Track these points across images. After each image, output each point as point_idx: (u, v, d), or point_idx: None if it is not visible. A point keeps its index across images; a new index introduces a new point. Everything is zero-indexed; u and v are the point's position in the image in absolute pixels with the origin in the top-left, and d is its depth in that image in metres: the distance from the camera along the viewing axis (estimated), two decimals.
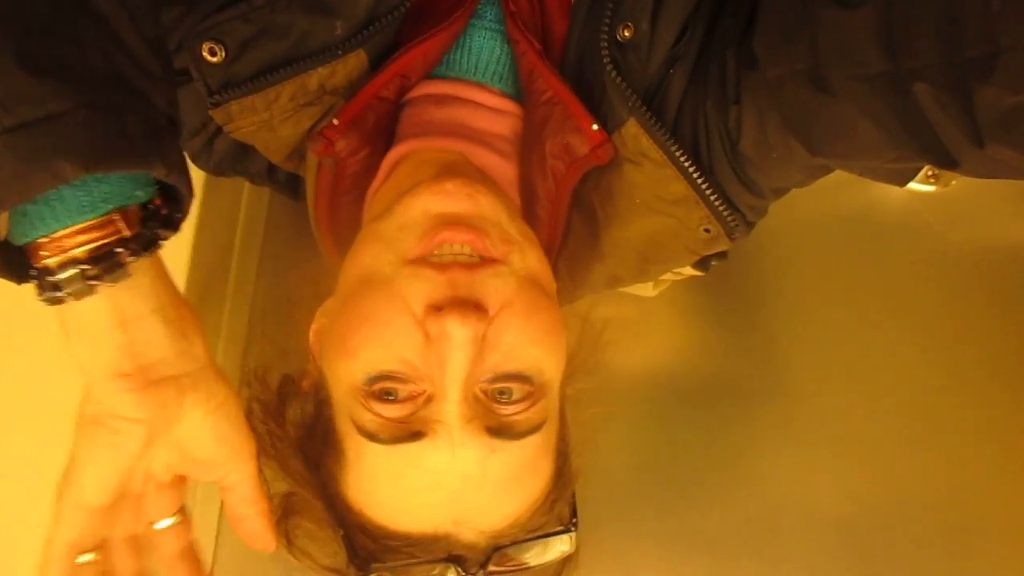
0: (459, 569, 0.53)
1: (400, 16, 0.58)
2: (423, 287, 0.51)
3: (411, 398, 0.51)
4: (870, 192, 1.03)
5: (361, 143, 0.61)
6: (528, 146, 0.64)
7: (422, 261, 0.52)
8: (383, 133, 0.64)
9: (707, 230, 0.62)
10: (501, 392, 0.52)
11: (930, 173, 1.02)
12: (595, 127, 0.59)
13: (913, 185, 1.03)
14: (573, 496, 0.59)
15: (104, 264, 0.42)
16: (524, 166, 0.64)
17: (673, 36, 0.57)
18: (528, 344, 0.52)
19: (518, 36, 0.61)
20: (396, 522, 0.53)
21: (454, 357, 0.49)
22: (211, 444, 0.51)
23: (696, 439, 0.92)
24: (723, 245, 0.63)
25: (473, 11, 0.63)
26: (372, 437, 0.51)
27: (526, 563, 0.56)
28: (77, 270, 0.41)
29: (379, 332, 0.51)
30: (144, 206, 0.44)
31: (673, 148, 0.58)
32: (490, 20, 0.64)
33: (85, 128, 0.39)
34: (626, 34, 0.57)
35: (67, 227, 0.41)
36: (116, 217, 0.42)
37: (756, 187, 0.60)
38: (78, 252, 0.41)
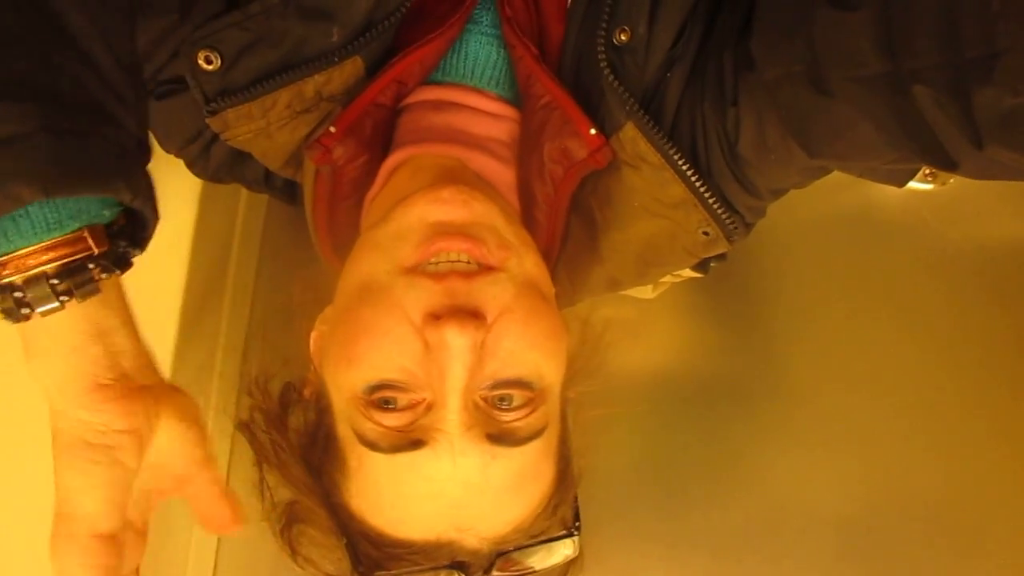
0: (462, 575, 0.53)
1: (396, 22, 0.58)
2: (421, 296, 0.51)
3: (411, 407, 0.51)
4: (869, 191, 1.03)
5: (358, 150, 0.61)
6: (526, 151, 0.64)
7: (419, 270, 0.52)
8: (380, 139, 0.64)
9: (705, 233, 0.61)
10: (501, 399, 0.52)
11: (928, 172, 1.02)
12: (593, 131, 0.59)
13: (911, 184, 1.03)
14: (576, 499, 0.59)
15: (75, 279, 0.41)
16: (522, 171, 0.64)
17: (670, 39, 0.57)
18: (527, 350, 0.52)
19: (515, 41, 0.61)
20: (399, 530, 0.53)
21: (453, 366, 0.49)
22: (186, 455, 0.49)
23: (697, 439, 0.92)
24: (722, 247, 0.63)
25: (469, 16, 0.62)
26: (373, 446, 0.51)
27: (530, 568, 0.56)
28: (47, 286, 0.41)
29: (378, 341, 0.51)
30: (110, 225, 0.44)
31: (671, 151, 0.58)
32: (486, 25, 0.64)
33: (46, 151, 0.38)
34: (623, 38, 0.57)
35: (32, 244, 0.40)
36: (85, 234, 0.42)
37: (754, 188, 0.59)
38: (47, 268, 0.41)
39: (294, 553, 0.58)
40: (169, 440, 0.48)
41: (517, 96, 0.65)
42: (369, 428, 0.51)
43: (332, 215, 0.66)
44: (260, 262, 0.96)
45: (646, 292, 0.85)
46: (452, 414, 0.50)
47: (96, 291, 0.42)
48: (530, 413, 0.52)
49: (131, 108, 0.44)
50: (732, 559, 0.88)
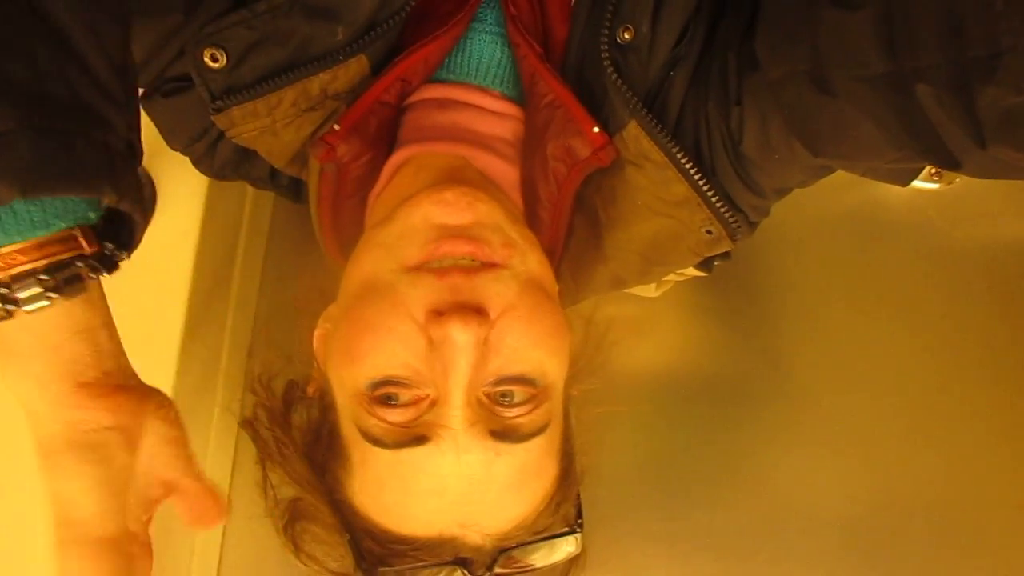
0: (465, 572, 0.53)
1: (401, 21, 0.58)
2: (424, 293, 0.51)
3: (415, 403, 0.51)
4: (874, 191, 1.03)
5: (363, 148, 0.61)
6: (530, 149, 0.64)
7: (423, 268, 0.52)
8: (385, 137, 0.64)
9: (709, 231, 0.62)
10: (504, 395, 0.52)
11: (934, 171, 1.02)
12: (596, 130, 0.59)
13: (917, 183, 1.03)
14: (578, 497, 0.59)
15: (64, 277, 0.41)
16: (526, 169, 0.65)
17: (674, 38, 0.57)
18: (530, 347, 0.52)
19: (519, 39, 0.61)
20: (402, 526, 0.53)
21: (457, 361, 0.49)
22: (171, 456, 0.47)
23: (700, 439, 0.92)
24: (725, 246, 0.63)
25: (474, 15, 0.63)
26: (376, 442, 0.51)
27: (532, 565, 0.56)
28: (36, 284, 0.40)
29: (382, 338, 0.51)
30: (95, 227, 0.43)
31: (674, 150, 0.58)
32: (491, 24, 0.64)
33: (27, 151, 0.38)
34: (626, 36, 0.57)
35: (16, 242, 0.40)
36: (78, 233, 0.42)
37: (758, 188, 0.59)
38: (37, 265, 0.40)
39: (297, 550, 0.59)
40: (155, 442, 0.47)
41: (521, 95, 0.65)
42: (373, 424, 0.51)
43: (336, 213, 0.66)
44: (266, 260, 0.97)
45: (650, 291, 0.85)
46: (456, 410, 0.50)
47: (83, 290, 0.42)
48: (533, 410, 0.52)
49: (121, 109, 0.43)
50: (735, 559, 0.88)
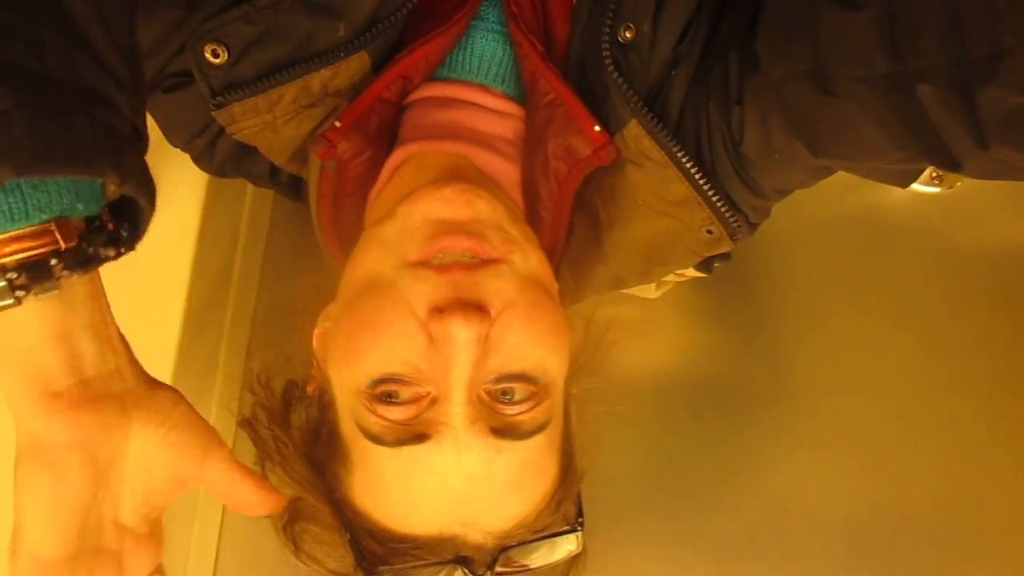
0: (466, 570, 0.53)
1: (403, 18, 0.58)
2: (425, 289, 0.51)
3: (415, 400, 0.51)
4: (876, 193, 1.03)
5: (363, 145, 0.61)
6: (531, 148, 0.64)
7: (423, 264, 0.52)
8: (385, 135, 0.64)
9: (709, 231, 0.62)
10: (505, 393, 0.52)
11: (935, 174, 1.02)
12: (597, 128, 0.59)
13: (918, 186, 1.03)
14: (579, 495, 0.59)
15: (33, 274, 0.38)
16: (527, 168, 0.65)
17: (675, 37, 0.57)
18: (531, 344, 0.52)
19: (520, 38, 0.61)
20: (402, 524, 0.53)
21: (458, 359, 0.49)
22: (174, 456, 0.46)
23: (700, 441, 0.92)
24: (726, 246, 0.63)
25: (475, 13, 0.63)
26: (377, 440, 0.51)
27: (533, 563, 0.56)
28: (3, 280, 0.37)
29: (382, 335, 0.51)
30: (91, 220, 0.41)
31: (675, 149, 0.58)
32: (492, 22, 0.64)
33: (23, 128, 0.35)
34: (627, 35, 0.57)
35: None
36: (53, 227, 0.38)
37: (759, 188, 0.59)
38: (7, 261, 0.37)
39: (297, 550, 0.58)
40: (148, 447, 0.45)
41: (522, 93, 0.65)
42: (373, 422, 0.51)
43: (336, 211, 0.66)
44: (265, 259, 0.97)
45: (650, 292, 0.85)
46: (456, 407, 0.50)
47: (55, 288, 0.39)
48: (534, 407, 0.52)
49: (126, 92, 0.41)
50: (736, 562, 0.88)
